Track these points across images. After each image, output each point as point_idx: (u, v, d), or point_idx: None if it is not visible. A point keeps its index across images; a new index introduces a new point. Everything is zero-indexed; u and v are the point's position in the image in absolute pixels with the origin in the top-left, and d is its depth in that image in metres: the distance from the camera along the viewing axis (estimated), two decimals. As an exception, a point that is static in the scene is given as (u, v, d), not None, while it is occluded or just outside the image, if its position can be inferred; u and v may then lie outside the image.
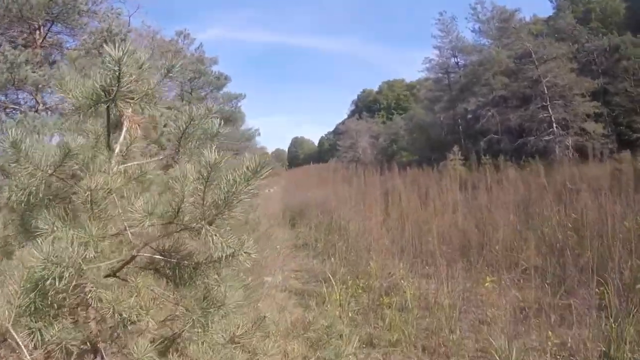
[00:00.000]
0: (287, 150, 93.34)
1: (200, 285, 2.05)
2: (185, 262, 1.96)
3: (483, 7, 30.34)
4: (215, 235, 1.67)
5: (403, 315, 5.11)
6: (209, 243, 1.66)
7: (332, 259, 8.12)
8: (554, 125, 24.71)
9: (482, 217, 8.17)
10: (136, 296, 1.87)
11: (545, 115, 24.96)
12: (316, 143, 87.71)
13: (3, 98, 9.09)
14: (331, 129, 76.19)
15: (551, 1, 32.48)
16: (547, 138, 24.63)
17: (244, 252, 1.75)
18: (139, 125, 2.09)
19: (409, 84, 62.35)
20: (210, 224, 1.68)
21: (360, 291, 5.94)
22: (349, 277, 6.64)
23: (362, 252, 7.86)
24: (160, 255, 1.97)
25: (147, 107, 2.11)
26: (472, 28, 32.14)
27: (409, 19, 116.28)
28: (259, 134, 21.97)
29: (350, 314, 5.34)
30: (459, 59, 33.50)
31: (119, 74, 1.74)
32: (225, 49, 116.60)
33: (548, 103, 24.93)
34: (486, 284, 5.38)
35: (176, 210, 1.74)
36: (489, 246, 6.57)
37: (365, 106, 68.23)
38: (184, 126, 2.00)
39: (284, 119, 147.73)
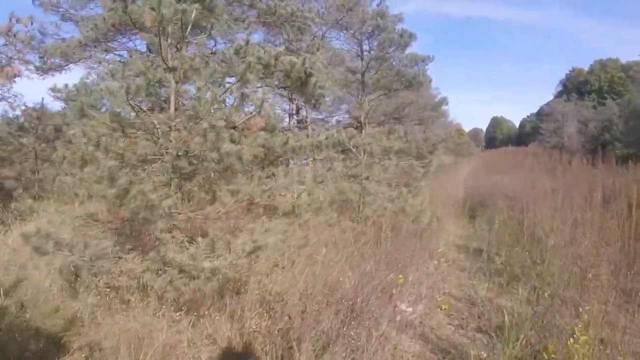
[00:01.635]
0: (484, 130, 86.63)
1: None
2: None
3: None
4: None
5: None
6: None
7: (514, 290, 5.16)
8: None
9: None
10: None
11: None
12: (517, 124, 79.09)
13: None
14: (533, 111, 67.51)
15: None
16: None
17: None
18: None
19: (624, 64, 52.71)
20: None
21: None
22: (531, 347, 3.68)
23: (566, 289, 4.74)
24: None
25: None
26: None
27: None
28: (447, 104, 18.54)
29: None
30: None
31: None
32: (428, 22, 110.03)
33: None
34: None
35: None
36: None
37: (575, 87, 58.54)
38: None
39: (484, 97, 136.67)
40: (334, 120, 17.90)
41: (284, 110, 15.32)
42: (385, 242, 6.54)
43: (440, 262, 6.36)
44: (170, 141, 3.67)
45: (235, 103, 4.08)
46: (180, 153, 3.63)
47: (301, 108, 14.33)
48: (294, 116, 13.95)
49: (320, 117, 17.16)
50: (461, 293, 5.37)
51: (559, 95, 60.35)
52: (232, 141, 3.96)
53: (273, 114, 5.68)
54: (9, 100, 11.53)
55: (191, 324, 3.84)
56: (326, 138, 7.70)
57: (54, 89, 6.41)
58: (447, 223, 8.61)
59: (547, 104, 55.97)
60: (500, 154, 36.13)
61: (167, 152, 3.68)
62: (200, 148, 3.59)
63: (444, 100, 18.49)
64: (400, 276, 4.55)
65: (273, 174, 7.04)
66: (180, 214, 3.72)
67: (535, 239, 6.52)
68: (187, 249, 3.51)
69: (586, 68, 60.26)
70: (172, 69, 4.48)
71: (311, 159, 9.79)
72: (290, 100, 13.14)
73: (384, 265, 5.32)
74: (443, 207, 9.79)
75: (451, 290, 5.42)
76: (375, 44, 13.87)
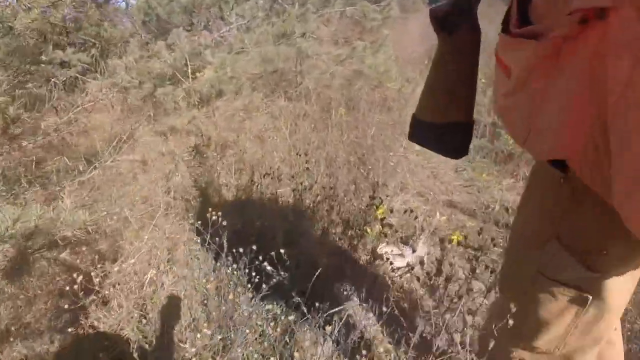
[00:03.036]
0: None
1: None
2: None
3: None
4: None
5: None
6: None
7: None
8: None
9: None
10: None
11: None
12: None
13: None
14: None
15: None
16: None
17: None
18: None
19: None
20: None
21: None
22: None
23: None
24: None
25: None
26: None
27: None
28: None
29: None
30: None
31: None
32: None
33: None
34: None
35: None
36: None
37: None
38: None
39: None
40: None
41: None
42: (340, 125, 4.22)
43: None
44: None
45: None
46: None
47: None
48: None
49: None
50: (468, 197, 3.20)
51: None
52: None
53: None
54: None
55: None
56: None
57: None
58: (418, 85, 6.26)
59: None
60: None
61: None
62: None
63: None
64: (381, 207, 2.27)
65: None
66: None
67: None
68: None
69: None
70: None
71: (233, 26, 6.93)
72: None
73: (342, 168, 3.05)
74: (411, 64, 7.31)
75: (452, 195, 3.23)
76: None
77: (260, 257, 1.72)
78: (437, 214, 2.80)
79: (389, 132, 4.23)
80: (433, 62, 1.10)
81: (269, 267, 1.55)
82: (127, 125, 4.33)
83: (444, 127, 1.14)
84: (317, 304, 1.56)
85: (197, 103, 4.34)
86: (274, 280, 1.56)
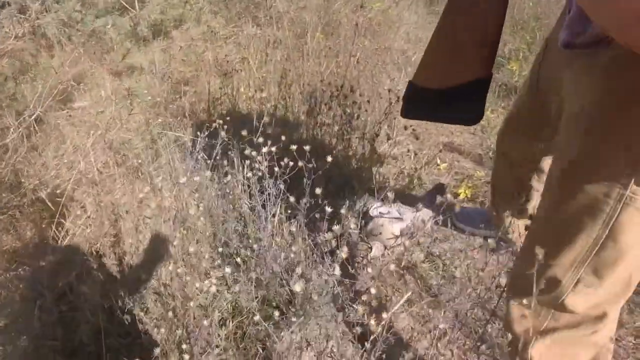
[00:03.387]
0: None
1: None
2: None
3: None
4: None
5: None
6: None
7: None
8: None
9: None
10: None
11: None
12: None
13: None
14: None
15: None
16: None
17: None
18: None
19: None
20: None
21: None
22: None
23: None
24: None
25: None
26: None
27: None
28: None
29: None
30: None
31: None
32: None
33: None
34: None
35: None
36: None
37: None
38: None
39: None
40: None
41: None
42: (317, 53, 3.62)
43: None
44: None
45: None
46: None
47: None
48: None
49: None
50: (471, 139, 2.73)
51: None
52: None
53: None
54: None
55: None
56: None
57: None
58: (406, 8, 5.53)
59: None
60: None
61: None
62: None
63: None
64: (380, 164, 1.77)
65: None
66: None
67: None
68: None
69: None
70: None
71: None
72: None
73: (321, 105, 2.53)
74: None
75: (452, 136, 2.75)
76: None
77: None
78: (438, 159, 2.34)
79: (375, 60, 3.65)
80: (446, 9, 0.88)
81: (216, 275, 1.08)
82: (72, 68, 3.69)
83: (459, 90, 0.91)
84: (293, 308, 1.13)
85: (147, 35, 3.67)
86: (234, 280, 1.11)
